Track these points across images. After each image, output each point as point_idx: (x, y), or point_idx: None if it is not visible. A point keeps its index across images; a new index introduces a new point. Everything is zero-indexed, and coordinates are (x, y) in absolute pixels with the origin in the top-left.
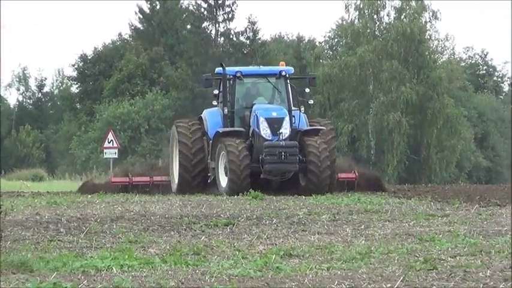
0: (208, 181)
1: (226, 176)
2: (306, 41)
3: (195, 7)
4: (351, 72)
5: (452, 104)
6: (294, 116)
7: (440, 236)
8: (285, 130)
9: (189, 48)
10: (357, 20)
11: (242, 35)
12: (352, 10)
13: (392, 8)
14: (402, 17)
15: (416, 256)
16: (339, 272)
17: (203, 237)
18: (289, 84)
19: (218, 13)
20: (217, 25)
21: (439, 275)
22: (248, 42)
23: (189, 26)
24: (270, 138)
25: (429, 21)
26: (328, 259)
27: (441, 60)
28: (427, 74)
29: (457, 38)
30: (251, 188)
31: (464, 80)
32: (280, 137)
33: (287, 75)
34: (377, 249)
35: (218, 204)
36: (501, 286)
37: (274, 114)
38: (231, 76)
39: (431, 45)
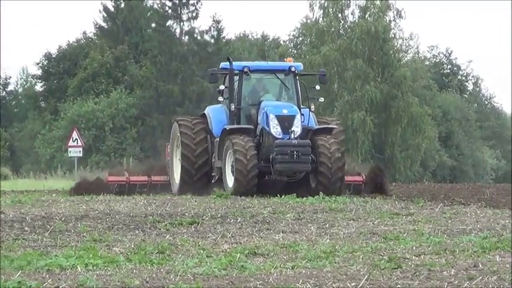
0: (213, 181)
1: (233, 175)
2: (271, 39)
3: (159, 6)
4: (316, 71)
5: (417, 103)
6: (302, 115)
7: (405, 234)
8: (297, 128)
9: (154, 47)
10: (321, 19)
11: (206, 33)
12: (317, 9)
13: (357, 6)
14: (367, 15)
15: (381, 255)
16: (303, 271)
17: (168, 236)
18: (298, 81)
19: (182, 12)
20: (181, 24)
21: (403, 273)
22: (212, 41)
23: (153, 25)
24: (281, 136)
25: (393, 20)
26: (292, 258)
27: (405, 59)
28: (392, 72)
29: (422, 37)
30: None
31: (428, 79)
32: (292, 136)
33: (296, 71)
34: (341, 248)
35: (183, 203)
36: (465, 285)
37: (284, 112)
38: (238, 71)
39: (396, 44)
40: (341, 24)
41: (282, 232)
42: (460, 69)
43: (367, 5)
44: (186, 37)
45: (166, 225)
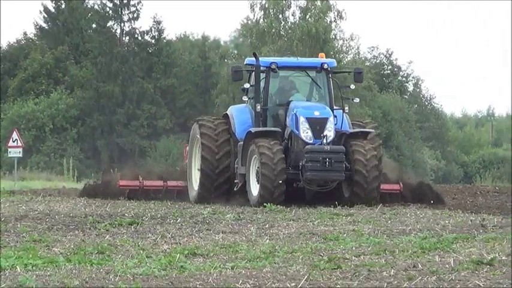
0: (235, 189)
1: (258, 183)
2: (211, 40)
3: (100, 6)
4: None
5: (357, 104)
6: (335, 117)
7: (345, 235)
8: (329, 132)
9: (94, 48)
10: (262, 20)
11: (147, 34)
12: (257, 10)
13: (298, 7)
14: (307, 16)
15: (321, 255)
16: (243, 271)
17: (107, 236)
18: (331, 79)
19: (123, 12)
20: (122, 24)
21: (343, 274)
22: (153, 41)
23: (94, 25)
24: (312, 141)
25: (334, 21)
26: (232, 258)
27: (346, 59)
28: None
29: (362, 38)
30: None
31: (368, 80)
32: (324, 141)
33: (329, 69)
34: (281, 248)
35: (122, 204)
36: (405, 285)
37: (316, 114)
38: (265, 68)
39: (336, 44)
40: (282, 25)
41: (222, 232)
42: (401, 70)
43: (308, 6)
44: (127, 38)
45: (106, 225)
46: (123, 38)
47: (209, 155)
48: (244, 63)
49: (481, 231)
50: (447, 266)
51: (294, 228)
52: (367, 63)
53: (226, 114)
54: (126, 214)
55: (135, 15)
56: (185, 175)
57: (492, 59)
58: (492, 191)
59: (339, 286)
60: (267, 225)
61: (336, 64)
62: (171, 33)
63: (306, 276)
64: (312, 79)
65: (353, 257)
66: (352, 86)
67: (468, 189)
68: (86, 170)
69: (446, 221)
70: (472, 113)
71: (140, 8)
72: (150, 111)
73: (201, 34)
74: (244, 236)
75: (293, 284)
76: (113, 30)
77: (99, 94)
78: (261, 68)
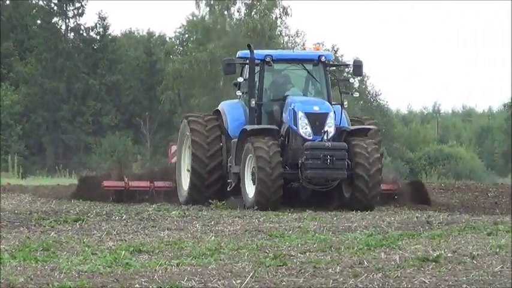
0: (228, 189)
1: (254, 184)
2: (157, 36)
3: (45, 2)
4: (202, 68)
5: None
6: (334, 112)
7: (290, 232)
8: (330, 128)
9: (39, 44)
10: (207, 16)
11: (92, 30)
12: (203, 6)
13: (243, 4)
14: (253, 13)
15: (266, 252)
16: (188, 268)
17: (52, 233)
18: (328, 73)
19: (68, 8)
20: (67, 21)
21: (288, 271)
22: (98, 37)
23: (39, 22)
24: (311, 138)
25: (280, 18)
26: (177, 255)
27: None
28: None
29: (308, 34)
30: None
31: None
32: (325, 137)
33: (327, 61)
34: (227, 245)
35: (68, 200)
36: (350, 282)
37: (316, 109)
38: (259, 61)
39: (282, 41)
40: (227, 21)
41: (167, 229)
42: (347, 66)
43: (253, 3)
44: (72, 34)
45: (51, 222)
46: (68, 34)
47: (200, 152)
48: (237, 55)
49: (426, 228)
50: (393, 263)
51: (240, 225)
52: None
53: (217, 110)
54: (71, 211)
55: (80, 11)
56: (169, 174)
57: (438, 56)
58: (438, 188)
59: (284, 283)
60: (212, 222)
61: (333, 57)
62: (116, 29)
63: (251, 273)
64: (309, 72)
65: (299, 254)
66: (352, 80)
67: None
68: (31, 167)
69: (392, 218)
70: (418, 109)
71: (85, 4)
72: (95, 107)
73: (146, 30)
74: (190, 233)
75: (238, 281)
76: (58, 27)
77: (44, 90)
78: (255, 61)
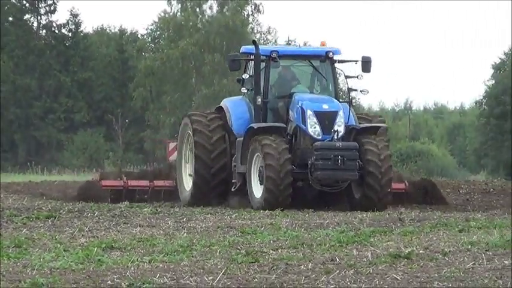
0: (233, 189)
1: (261, 184)
2: (129, 33)
3: None
4: (173, 65)
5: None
6: (343, 110)
7: (262, 228)
8: (340, 127)
9: (11, 41)
10: (179, 13)
11: (64, 27)
12: (175, 3)
13: (215, 1)
14: (225, 10)
15: (238, 249)
16: (160, 265)
17: (24, 230)
18: (336, 69)
19: (40, 5)
20: (39, 17)
21: (260, 267)
22: (70, 34)
23: (10, 18)
24: (321, 137)
25: (252, 15)
26: (150, 252)
27: None
28: None
29: (280, 31)
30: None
31: None
32: (335, 137)
33: (334, 58)
34: (199, 241)
35: (39, 197)
36: (323, 278)
37: (325, 107)
38: (265, 57)
39: (254, 38)
40: (199, 18)
41: (139, 226)
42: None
43: (225, 0)
44: (44, 31)
45: (23, 219)
46: (40, 31)
47: (203, 154)
48: (241, 51)
49: (398, 225)
50: (365, 259)
51: (212, 222)
52: None
53: (220, 107)
54: (43, 207)
55: (52, 8)
56: (167, 173)
57: (410, 54)
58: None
59: (256, 280)
60: (184, 219)
61: (341, 52)
62: (88, 26)
63: (223, 270)
64: (316, 69)
65: (271, 251)
66: (360, 77)
67: None
68: (3, 164)
69: (364, 215)
70: (390, 106)
71: (57, 1)
72: (67, 104)
73: (118, 27)
74: (162, 230)
75: (211, 278)
76: (30, 24)
77: (15, 87)
78: (261, 57)
